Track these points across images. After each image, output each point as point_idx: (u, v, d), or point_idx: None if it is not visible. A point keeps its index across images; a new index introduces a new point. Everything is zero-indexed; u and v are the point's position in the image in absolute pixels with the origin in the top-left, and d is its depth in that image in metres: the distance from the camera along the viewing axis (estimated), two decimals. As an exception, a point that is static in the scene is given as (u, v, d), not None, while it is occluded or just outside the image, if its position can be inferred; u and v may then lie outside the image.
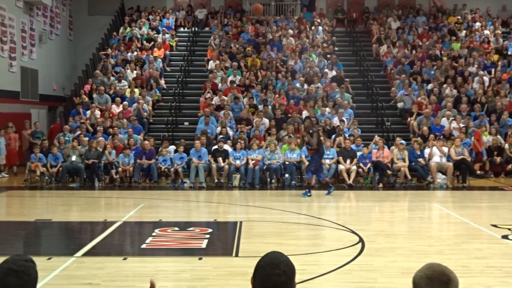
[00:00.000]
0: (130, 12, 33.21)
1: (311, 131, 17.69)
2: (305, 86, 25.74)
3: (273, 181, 20.29)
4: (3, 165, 22.85)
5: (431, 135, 21.22)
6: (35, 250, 10.92)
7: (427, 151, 20.40)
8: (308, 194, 17.38)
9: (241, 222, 13.20)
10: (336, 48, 29.78)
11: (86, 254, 10.22)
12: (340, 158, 20.16)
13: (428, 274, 3.03)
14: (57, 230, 13.61)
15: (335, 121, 23.04)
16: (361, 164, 20.13)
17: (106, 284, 8.40)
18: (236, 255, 10.16)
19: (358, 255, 10.06)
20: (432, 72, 26.93)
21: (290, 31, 30.48)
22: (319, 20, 31.87)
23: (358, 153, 20.40)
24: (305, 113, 23.09)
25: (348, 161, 20.09)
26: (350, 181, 19.71)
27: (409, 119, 24.03)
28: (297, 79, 26.15)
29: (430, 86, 25.91)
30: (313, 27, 31.20)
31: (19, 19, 27.00)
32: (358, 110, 24.89)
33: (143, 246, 10.89)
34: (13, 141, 23.17)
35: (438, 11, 33.34)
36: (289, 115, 23.26)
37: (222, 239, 12.24)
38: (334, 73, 26.96)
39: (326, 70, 27.20)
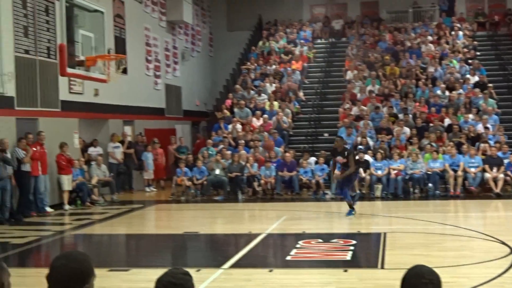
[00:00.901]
0: (268, 26, 33.76)
1: (346, 152, 15.98)
2: (447, 93, 25.11)
3: (416, 191, 19.94)
4: (151, 179, 23.79)
5: None
6: (183, 262, 11.28)
7: None
8: (353, 213, 16.06)
9: (385, 233, 13.04)
10: (477, 53, 28.89)
11: (233, 266, 10.43)
12: (486, 166, 19.49)
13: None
14: (204, 243, 14.00)
15: (479, 128, 22.29)
16: (508, 172, 19.38)
17: (254, 296, 8.55)
18: (382, 267, 10.05)
19: (510, 267, 9.68)
20: None
21: (429, 37, 29.88)
22: (459, 25, 31.04)
23: (505, 161, 19.64)
24: (447, 121, 22.57)
25: (494, 169, 19.39)
26: (498, 190, 19.02)
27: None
28: (437, 86, 25.57)
29: None
30: (452, 32, 30.43)
31: (163, 38, 28.10)
32: (503, 116, 23.95)
33: (288, 258, 10.98)
34: (160, 156, 24.10)
35: None
36: (431, 123, 22.77)
37: (367, 250, 12.15)
38: (476, 78, 26.14)
39: (468, 75, 26.41)
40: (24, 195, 16.95)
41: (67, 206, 18.62)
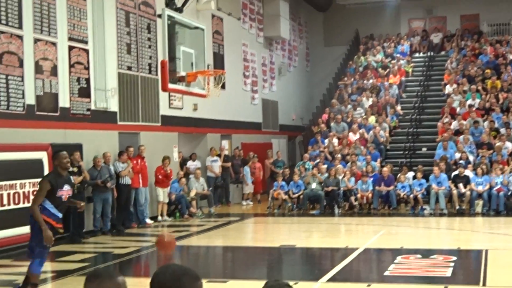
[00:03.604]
0: (365, 41, 33.58)
1: None
2: (551, 106, 24.26)
3: (519, 207, 19.32)
4: (249, 193, 24.03)
5: None
6: (280, 275, 11.32)
7: None
8: None
9: (486, 251, 12.70)
10: None
11: (330, 279, 10.40)
12: None
13: None
14: (300, 256, 14.02)
15: None
16: None
17: (351, 310, 8.51)
18: (484, 285, 9.80)
19: None
20: None
21: (532, 50, 28.97)
22: None
23: None
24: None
25: None
26: None
27: None
28: (541, 99, 24.75)
29: None
30: (558, 44, 29.41)
31: (260, 53, 28.42)
32: None
33: (386, 273, 10.85)
34: (258, 170, 24.33)
35: None
36: (535, 138, 22.04)
37: (467, 267, 11.88)
38: None
39: None
40: (125, 207, 17.45)
41: (160, 218, 19.00)
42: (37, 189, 13.92)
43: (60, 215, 8.87)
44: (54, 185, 8.71)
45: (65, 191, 8.87)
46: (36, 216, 8.56)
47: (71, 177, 9.42)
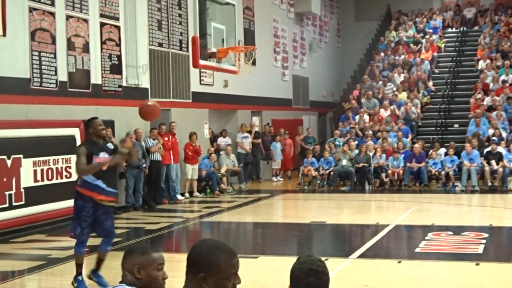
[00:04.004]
0: (397, 16, 33.26)
1: None
2: None
3: (552, 184, 19.10)
4: (278, 169, 24.06)
5: None
6: (310, 251, 11.35)
7: None
8: None
9: (518, 228, 12.63)
10: None
11: (360, 256, 10.41)
12: None
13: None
14: (331, 232, 14.03)
15: None
16: None
17: (382, 287, 8.51)
18: (516, 262, 9.76)
19: None
20: None
21: None
22: None
23: None
24: None
25: None
26: None
27: None
28: None
29: None
30: None
31: (291, 29, 28.28)
32: None
33: (417, 250, 10.82)
34: (288, 147, 24.34)
35: None
36: None
37: (499, 244, 11.81)
38: None
39: None
40: (156, 183, 17.58)
41: (188, 195, 19.10)
42: (70, 165, 14.14)
43: (104, 186, 8.35)
44: (90, 151, 8.27)
45: (102, 159, 8.34)
46: (89, 168, 8.25)
47: (109, 144, 8.69)
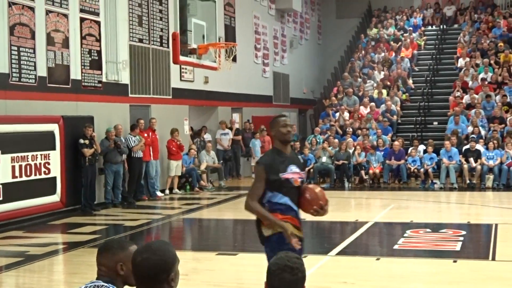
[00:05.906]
0: (377, 13, 33.37)
1: None
2: None
3: (530, 182, 19.27)
4: (259, 166, 23.99)
5: None
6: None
7: None
8: None
9: (496, 225, 12.73)
10: None
11: (339, 253, 10.46)
12: None
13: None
14: (310, 229, 14.03)
15: None
16: None
17: (360, 284, 8.56)
18: (493, 259, 9.83)
19: None
20: None
21: (547, 23, 28.69)
22: None
23: None
24: None
25: None
26: None
27: None
28: (555, 74, 24.54)
29: None
30: None
31: (272, 26, 28.28)
32: None
33: (396, 247, 10.89)
34: (267, 144, 24.26)
35: None
36: (547, 112, 21.91)
37: (477, 242, 11.89)
38: None
39: None
40: (135, 179, 17.51)
41: (168, 192, 19.04)
42: (48, 161, 14.04)
43: None
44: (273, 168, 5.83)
45: (291, 175, 5.87)
46: (255, 211, 5.99)
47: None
